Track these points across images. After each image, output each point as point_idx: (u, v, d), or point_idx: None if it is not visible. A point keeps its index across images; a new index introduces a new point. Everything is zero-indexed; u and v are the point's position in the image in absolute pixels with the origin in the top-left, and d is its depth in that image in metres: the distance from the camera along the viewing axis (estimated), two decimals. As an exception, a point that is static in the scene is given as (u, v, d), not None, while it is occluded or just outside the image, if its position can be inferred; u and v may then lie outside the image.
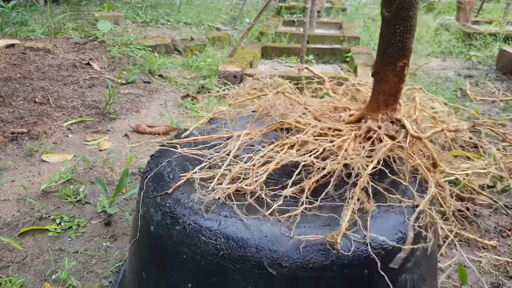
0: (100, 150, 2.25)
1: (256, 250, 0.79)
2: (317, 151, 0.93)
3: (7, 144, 2.23)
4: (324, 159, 0.92)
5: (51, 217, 1.69)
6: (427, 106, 1.18)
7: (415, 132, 0.96)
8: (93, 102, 2.77)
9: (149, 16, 5.20)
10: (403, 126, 0.98)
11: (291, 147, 0.97)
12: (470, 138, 1.17)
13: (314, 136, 0.98)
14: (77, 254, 1.50)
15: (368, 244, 0.75)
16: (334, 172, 0.88)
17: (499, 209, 1.79)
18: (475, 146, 1.26)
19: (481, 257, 1.50)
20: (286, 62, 3.35)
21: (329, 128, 1.01)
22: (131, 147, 2.30)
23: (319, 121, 1.04)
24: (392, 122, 0.99)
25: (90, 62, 3.28)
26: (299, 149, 0.95)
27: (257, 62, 3.80)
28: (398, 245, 0.78)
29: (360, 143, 0.97)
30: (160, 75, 3.45)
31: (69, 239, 1.58)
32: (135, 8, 5.31)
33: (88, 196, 1.84)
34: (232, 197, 0.87)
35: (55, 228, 1.61)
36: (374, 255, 0.74)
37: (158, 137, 2.41)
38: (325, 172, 0.87)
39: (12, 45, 3.30)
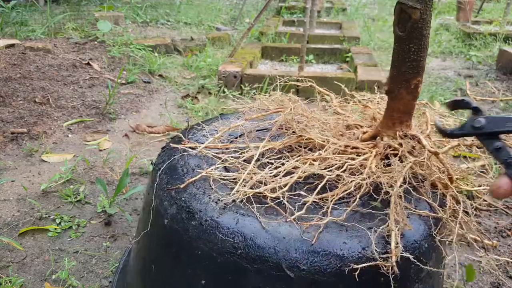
0: (100, 150, 2.25)
1: (274, 251, 0.79)
2: (339, 167, 0.94)
3: (7, 144, 2.23)
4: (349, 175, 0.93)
5: (51, 217, 1.69)
6: (436, 120, 1.19)
7: (431, 148, 0.97)
8: (93, 102, 2.78)
9: (149, 16, 5.20)
10: (419, 142, 0.98)
11: (313, 161, 0.98)
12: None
13: (334, 154, 0.99)
14: (77, 254, 1.50)
15: (393, 257, 0.76)
16: (360, 187, 0.89)
17: (499, 209, 1.79)
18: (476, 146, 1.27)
19: (481, 257, 1.50)
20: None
21: (347, 146, 1.02)
22: (131, 147, 2.30)
23: (337, 138, 1.05)
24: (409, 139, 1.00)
25: (90, 62, 3.28)
26: (321, 164, 0.97)
27: (257, 62, 3.80)
28: (417, 257, 0.80)
29: (381, 159, 0.98)
30: (160, 75, 3.45)
31: (69, 239, 1.58)
32: (135, 8, 5.31)
33: (88, 196, 1.84)
34: (252, 200, 0.87)
35: (55, 228, 1.61)
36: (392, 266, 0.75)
37: (158, 137, 2.41)
38: (352, 185, 0.89)
39: (12, 45, 3.31)
